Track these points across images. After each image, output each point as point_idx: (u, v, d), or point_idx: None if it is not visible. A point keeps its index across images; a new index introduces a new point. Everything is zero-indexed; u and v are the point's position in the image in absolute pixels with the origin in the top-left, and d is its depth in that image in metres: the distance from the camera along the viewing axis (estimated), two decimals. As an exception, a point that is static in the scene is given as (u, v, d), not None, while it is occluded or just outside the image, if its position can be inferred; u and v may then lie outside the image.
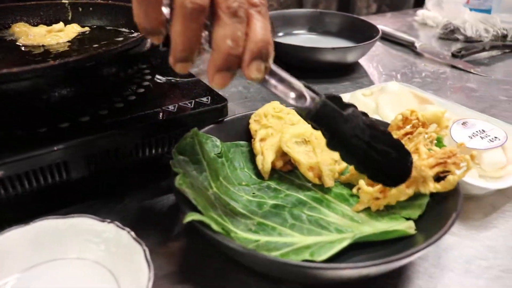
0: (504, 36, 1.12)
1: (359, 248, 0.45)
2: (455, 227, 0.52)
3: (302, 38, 1.05)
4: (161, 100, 0.58)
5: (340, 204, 0.51)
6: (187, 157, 0.51)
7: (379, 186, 0.48)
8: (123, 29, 0.71)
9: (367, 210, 0.49)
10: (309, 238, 0.46)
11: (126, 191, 0.56)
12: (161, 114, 0.56)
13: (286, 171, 0.57)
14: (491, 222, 0.53)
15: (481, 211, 0.55)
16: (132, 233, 0.44)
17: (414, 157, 0.47)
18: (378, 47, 1.12)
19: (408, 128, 0.52)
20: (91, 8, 0.76)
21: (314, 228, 0.47)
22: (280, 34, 1.05)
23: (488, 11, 1.23)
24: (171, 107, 0.57)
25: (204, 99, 0.59)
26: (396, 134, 0.52)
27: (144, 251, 0.42)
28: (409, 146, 0.50)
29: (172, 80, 0.65)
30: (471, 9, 1.21)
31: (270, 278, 0.44)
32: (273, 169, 0.57)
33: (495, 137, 0.58)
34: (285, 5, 2.07)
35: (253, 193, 0.53)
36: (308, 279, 0.43)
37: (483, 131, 0.59)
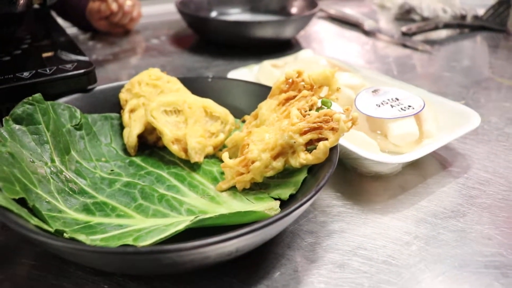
0: (463, 17, 1.04)
1: (212, 234, 0.36)
2: (348, 210, 0.43)
3: (236, 17, 0.96)
4: (20, 66, 0.50)
5: (205, 183, 0.42)
6: (24, 126, 0.42)
7: (241, 158, 0.39)
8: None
9: (233, 189, 0.41)
10: (149, 220, 0.37)
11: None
12: (12, 80, 0.47)
13: (161, 147, 0.48)
14: (394, 206, 0.44)
15: (387, 192, 0.46)
16: None
17: (284, 122, 0.39)
18: (324, 27, 1.03)
19: (293, 92, 0.44)
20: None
21: (161, 209, 0.39)
22: (214, 14, 0.97)
23: (450, -8, 1.15)
24: (25, 74, 0.49)
25: (69, 65, 0.50)
26: (277, 99, 0.44)
27: None
28: (286, 113, 0.41)
29: (51, 50, 0.56)
30: (431, -11, 1.12)
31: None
32: (146, 144, 0.48)
33: (409, 106, 0.49)
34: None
35: (112, 170, 0.45)
36: (119, 265, 0.33)
37: (396, 99, 0.50)
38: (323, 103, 0.42)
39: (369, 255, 0.38)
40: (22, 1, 0.54)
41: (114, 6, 0.87)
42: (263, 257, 0.37)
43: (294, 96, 0.43)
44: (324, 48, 0.90)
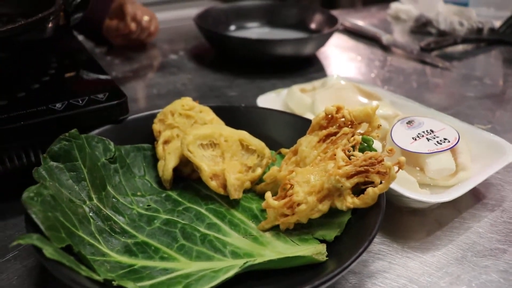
0: (480, 30, 1.03)
1: (258, 277, 0.36)
2: (388, 249, 0.43)
3: (255, 31, 0.95)
4: (52, 96, 0.50)
5: (246, 221, 0.42)
6: (61, 164, 0.42)
7: (286, 200, 0.39)
8: (20, 18, 0.63)
9: (276, 229, 0.40)
10: (194, 263, 0.37)
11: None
12: (45, 113, 0.47)
13: (196, 179, 0.48)
14: (434, 243, 0.44)
15: (424, 228, 0.46)
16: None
17: (329, 165, 0.38)
18: (342, 41, 1.03)
19: (333, 128, 0.43)
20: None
21: (205, 251, 0.38)
22: (232, 27, 0.96)
23: (465, 4, 1.14)
24: (58, 105, 0.48)
25: (100, 95, 0.50)
26: (317, 135, 0.43)
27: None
28: (330, 151, 0.41)
29: (84, 76, 0.56)
30: (446, 1, 1.12)
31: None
32: (180, 177, 0.48)
33: (444, 139, 0.49)
34: None
35: (148, 205, 0.45)
36: None
37: (432, 131, 0.50)
38: (365, 140, 0.42)
39: (414, 298, 0.38)
40: (50, 26, 0.53)
41: (132, 26, 0.86)
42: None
43: (335, 133, 0.43)
44: (343, 65, 0.90)
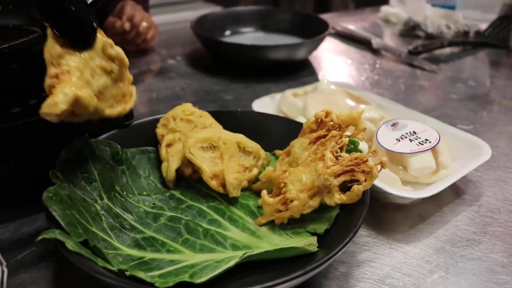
0: (466, 33, 1.08)
1: (257, 266, 0.40)
2: (374, 240, 0.47)
3: (249, 36, 0.99)
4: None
5: (244, 217, 0.46)
6: (74, 166, 0.46)
7: (280, 197, 0.43)
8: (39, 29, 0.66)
9: (271, 224, 0.44)
10: (198, 255, 0.41)
11: (9, 204, 0.51)
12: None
13: (196, 179, 0.52)
14: (415, 235, 0.48)
15: (407, 222, 0.50)
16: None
17: (319, 165, 0.42)
18: (333, 45, 1.07)
19: (323, 131, 0.47)
20: (10, 7, 0.71)
21: (207, 244, 0.42)
22: (227, 32, 1.00)
23: (452, 7, 1.19)
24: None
25: (108, 101, 0.53)
26: (308, 138, 0.47)
27: (2, 272, 0.37)
28: (320, 152, 0.45)
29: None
30: (433, 5, 1.16)
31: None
32: (182, 177, 0.52)
33: (426, 140, 0.53)
34: (261, 4, 2.02)
35: (153, 204, 0.48)
36: None
37: (414, 133, 0.54)
38: (351, 142, 0.46)
39: (397, 284, 0.42)
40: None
41: (126, 26, 0.89)
42: (303, 287, 0.41)
43: (324, 135, 0.47)
44: (334, 68, 0.94)
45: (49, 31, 0.39)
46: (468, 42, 1.05)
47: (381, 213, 0.51)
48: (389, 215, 0.51)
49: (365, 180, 0.41)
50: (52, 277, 0.42)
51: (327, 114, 0.47)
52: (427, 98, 0.81)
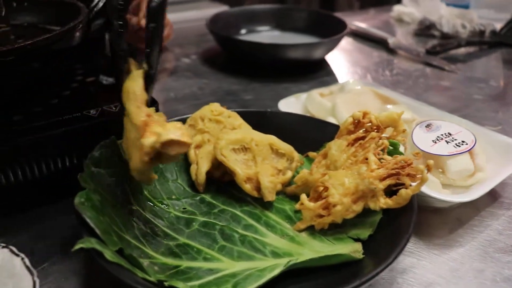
0: (482, 32, 1.07)
1: (298, 274, 0.38)
2: (415, 246, 0.46)
3: (266, 35, 0.97)
4: (84, 104, 0.51)
5: (281, 222, 0.44)
6: (103, 170, 0.44)
7: (322, 201, 0.41)
8: (54, 27, 0.64)
9: (311, 229, 0.43)
10: (238, 263, 0.39)
11: (30, 208, 0.49)
12: (81, 119, 0.48)
13: (226, 182, 0.50)
14: (456, 240, 0.46)
15: (446, 226, 0.48)
16: (26, 260, 0.38)
17: (362, 168, 0.41)
18: (348, 44, 1.05)
19: (360, 132, 0.46)
20: (26, 3, 0.69)
21: (246, 251, 0.40)
22: (243, 31, 0.98)
23: (465, 6, 1.18)
24: (92, 112, 0.50)
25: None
26: (346, 139, 0.45)
27: (34, 282, 0.35)
28: (360, 155, 0.43)
29: (104, 81, 0.58)
30: (447, 4, 1.15)
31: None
32: (211, 179, 0.50)
33: (462, 141, 0.51)
34: (267, 3, 2.00)
35: (184, 208, 0.46)
36: None
37: (449, 134, 0.53)
38: (392, 144, 0.45)
39: (443, 293, 0.40)
40: (79, 34, 0.55)
41: (143, 22, 0.87)
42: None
43: (363, 137, 0.45)
44: (350, 68, 0.92)
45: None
46: (484, 41, 1.03)
47: (418, 217, 0.49)
48: (427, 219, 0.49)
49: (411, 183, 0.39)
50: (80, 285, 0.40)
51: (365, 115, 0.46)
52: (449, 98, 0.79)
